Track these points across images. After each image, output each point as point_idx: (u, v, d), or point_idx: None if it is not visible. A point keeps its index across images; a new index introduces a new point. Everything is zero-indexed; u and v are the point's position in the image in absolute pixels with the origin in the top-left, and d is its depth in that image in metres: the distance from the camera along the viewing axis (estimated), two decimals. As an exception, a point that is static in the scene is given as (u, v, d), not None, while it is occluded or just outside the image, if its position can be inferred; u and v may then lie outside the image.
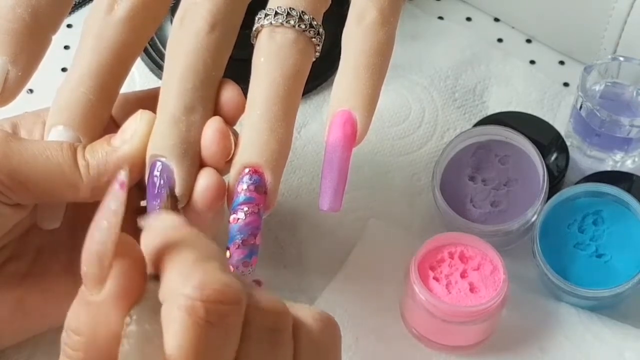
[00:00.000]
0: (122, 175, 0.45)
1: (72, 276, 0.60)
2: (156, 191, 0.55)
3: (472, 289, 0.61)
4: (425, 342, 0.63)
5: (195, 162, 0.56)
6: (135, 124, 0.56)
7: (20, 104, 0.59)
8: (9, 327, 0.59)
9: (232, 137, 0.56)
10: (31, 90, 0.72)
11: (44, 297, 0.59)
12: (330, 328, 0.49)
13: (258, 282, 0.66)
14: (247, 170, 0.55)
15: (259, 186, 0.55)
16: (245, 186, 0.54)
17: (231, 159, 0.56)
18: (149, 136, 0.56)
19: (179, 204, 0.55)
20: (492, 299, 0.61)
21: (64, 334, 0.46)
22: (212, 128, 0.56)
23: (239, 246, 0.54)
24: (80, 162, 0.55)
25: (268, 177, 0.55)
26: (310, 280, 0.65)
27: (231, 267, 0.54)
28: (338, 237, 0.67)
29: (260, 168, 0.55)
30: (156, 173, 0.55)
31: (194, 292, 0.43)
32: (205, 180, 0.55)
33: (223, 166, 0.56)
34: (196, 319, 0.43)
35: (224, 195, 0.56)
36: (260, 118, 0.55)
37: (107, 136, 0.57)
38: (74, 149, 0.56)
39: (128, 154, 0.56)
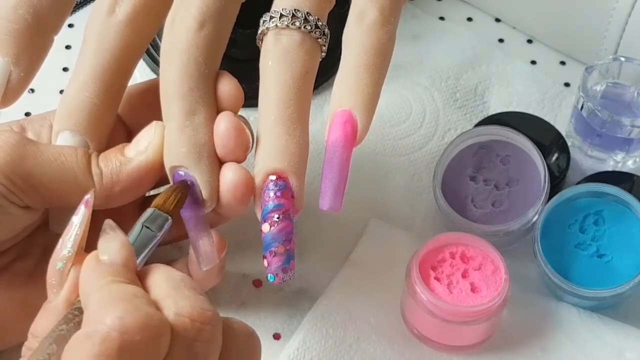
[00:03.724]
0: (88, 196, 0.51)
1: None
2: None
3: (473, 288, 0.61)
4: (426, 342, 0.63)
5: (214, 162, 0.56)
6: (149, 136, 0.56)
7: (22, 104, 0.60)
8: (14, 326, 0.59)
9: (247, 129, 0.56)
10: (32, 90, 0.72)
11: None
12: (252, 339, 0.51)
13: (258, 283, 0.66)
14: (271, 177, 0.55)
15: (286, 191, 0.54)
16: (272, 193, 0.54)
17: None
18: (162, 147, 0.56)
19: (207, 207, 0.55)
20: (493, 299, 0.61)
21: (28, 336, 0.51)
22: (223, 124, 0.56)
23: (275, 254, 0.54)
24: (94, 169, 0.56)
25: (293, 181, 0.55)
26: (311, 280, 0.65)
27: (271, 274, 0.54)
28: (338, 237, 0.67)
29: (284, 173, 0.55)
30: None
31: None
32: (229, 175, 0.55)
33: (244, 159, 0.56)
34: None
35: (253, 186, 0.55)
36: (275, 123, 0.55)
37: (120, 145, 0.57)
38: (89, 156, 0.56)
39: (142, 165, 0.56)
